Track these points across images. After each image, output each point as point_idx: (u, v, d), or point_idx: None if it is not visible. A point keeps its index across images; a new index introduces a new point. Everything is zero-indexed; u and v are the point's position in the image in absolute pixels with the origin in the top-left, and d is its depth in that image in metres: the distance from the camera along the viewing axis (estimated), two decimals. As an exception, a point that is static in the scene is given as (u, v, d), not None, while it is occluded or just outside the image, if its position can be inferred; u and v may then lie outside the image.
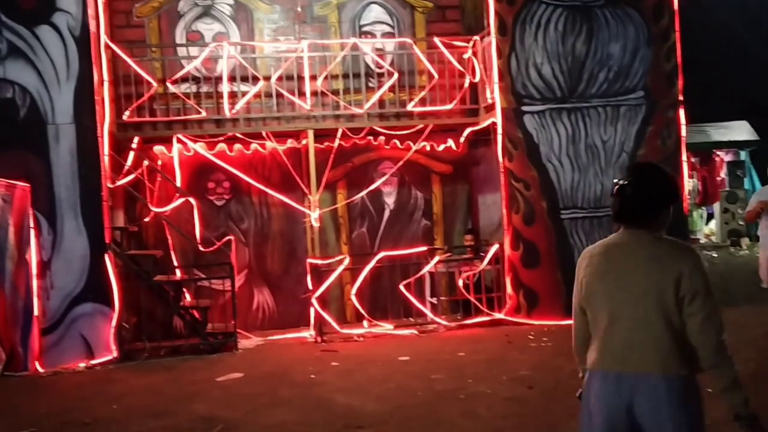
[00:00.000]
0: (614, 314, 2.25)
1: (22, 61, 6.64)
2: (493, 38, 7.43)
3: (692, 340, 2.16)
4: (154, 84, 7.59)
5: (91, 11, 6.76)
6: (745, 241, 12.64)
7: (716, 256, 12.13)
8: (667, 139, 7.70)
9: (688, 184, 8.90)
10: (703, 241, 13.64)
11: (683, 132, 7.79)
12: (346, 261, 7.64)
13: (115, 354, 6.66)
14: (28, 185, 6.61)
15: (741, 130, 13.37)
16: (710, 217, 14.24)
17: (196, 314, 7.46)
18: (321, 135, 7.89)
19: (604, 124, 7.56)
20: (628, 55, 7.57)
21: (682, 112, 7.74)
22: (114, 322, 6.68)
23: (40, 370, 6.47)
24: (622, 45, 7.55)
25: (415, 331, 7.37)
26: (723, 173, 13.49)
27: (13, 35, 6.63)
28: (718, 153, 13.71)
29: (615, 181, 2.33)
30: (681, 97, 7.73)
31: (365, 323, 7.58)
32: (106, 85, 7.07)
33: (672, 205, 2.31)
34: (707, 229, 14.13)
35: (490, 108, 7.69)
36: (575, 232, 7.51)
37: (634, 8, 7.59)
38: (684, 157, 7.86)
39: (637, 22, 7.60)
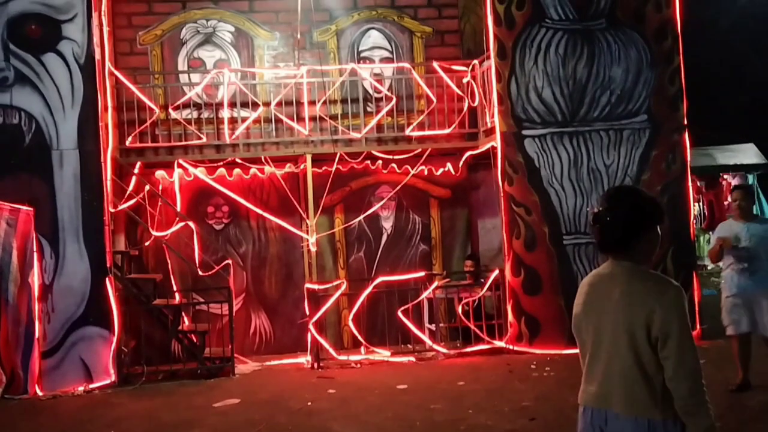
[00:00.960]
0: (595, 349, 2.21)
1: (29, 88, 6.79)
2: (492, 62, 7.44)
3: (668, 385, 2.07)
4: (156, 110, 7.73)
5: (96, 39, 6.90)
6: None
7: (724, 282, 11.87)
8: (672, 163, 7.61)
9: (694, 208, 8.79)
10: (710, 267, 13.39)
11: (688, 156, 7.70)
12: (344, 286, 7.63)
13: (113, 378, 6.69)
14: (31, 209, 6.72)
15: (748, 153, 13.17)
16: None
17: (194, 338, 7.49)
18: (319, 159, 7.94)
19: (607, 148, 7.49)
20: (631, 78, 7.51)
21: (687, 136, 7.66)
22: (113, 346, 6.72)
23: (40, 393, 6.51)
24: (625, 68, 7.50)
25: (414, 359, 7.30)
26: (730, 197, 13.23)
27: (21, 63, 6.79)
28: (725, 176, 13.52)
29: (590, 208, 2.30)
30: (686, 121, 7.65)
31: (362, 349, 7.53)
32: (109, 111, 7.21)
33: (652, 229, 2.17)
34: (713, 254, 13.82)
35: (490, 132, 7.68)
36: (578, 258, 7.41)
37: (636, 31, 7.54)
38: (689, 182, 7.77)
39: (639, 44, 7.55)
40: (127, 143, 7.67)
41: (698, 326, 7.47)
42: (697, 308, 7.53)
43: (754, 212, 6.13)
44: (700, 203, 13.35)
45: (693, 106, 7.81)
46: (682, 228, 7.62)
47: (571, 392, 5.75)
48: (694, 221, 8.34)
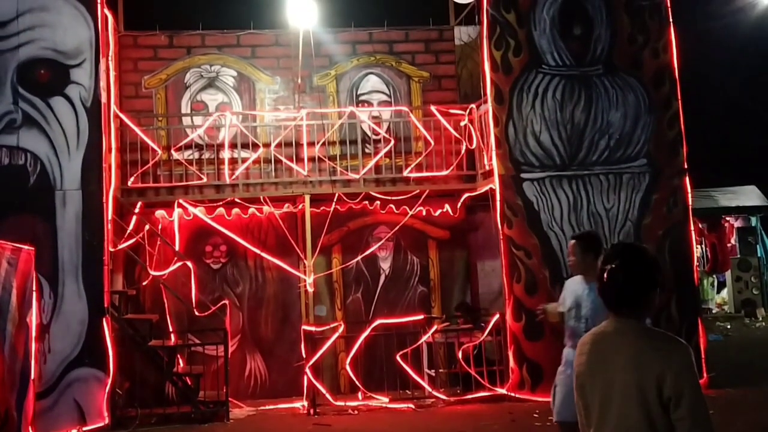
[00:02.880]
0: (603, 411, 2.13)
1: (36, 130, 6.90)
2: (490, 107, 7.52)
3: None
4: (159, 151, 7.86)
5: (103, 83, 7.04)
6: (761, 312, 12.18)
7: (730, 327, 11.64)
8: (673, 207, 7.57)
9: (697, 251, 8.71)
10: (715, 311, 13.13)
11: (690, 200, 7.66)
12: (341, 329, 7.55)
13: (107, 420, 6.59)
14: (33, 248, 6.76)
15: (750, 195, 13.07)
16: (721, 285, 13.74)
17: (188, 381, 7.40)
18: (317, 200, 8.00)
19: (607, 192, 7.47)
20: (629, 123, 7.54)
21: (687, 180, 7.64)
22: (108, 388, 6.65)
23: (32, 435, 6.44)
24: (623, 113, 7.54)
25: (412, 405, 7.14)
26: (733, 239, 13.17)
27: (29, 106, 6.92)
28: (727, 218, 13.43)
29: (602, 266, 2.21)
30: (686, 165, 7.64)
31: (360, 395, 7.39)
32: (113, 152, 7.33)
33: (657, 288, 2.16)
34: (719, 298, 13.60)
35: (488, 174, 7.70)
36: (581, 302, 7.33)
37: (634, 77, 7.61)
38: (691, 226, 7.70)
39: (637, 90, 7.61)
40: (129, 183, 7.78)
41: (705, 374, 7.28)
42: (703, 355, 7.34)
43: None
44: (703, 245, 13.23)
45: (693, 147, 7.81)
46: (686, 272, 7.53)
47: (570, 443, 5.57)
48: (697, 264, 8.23)
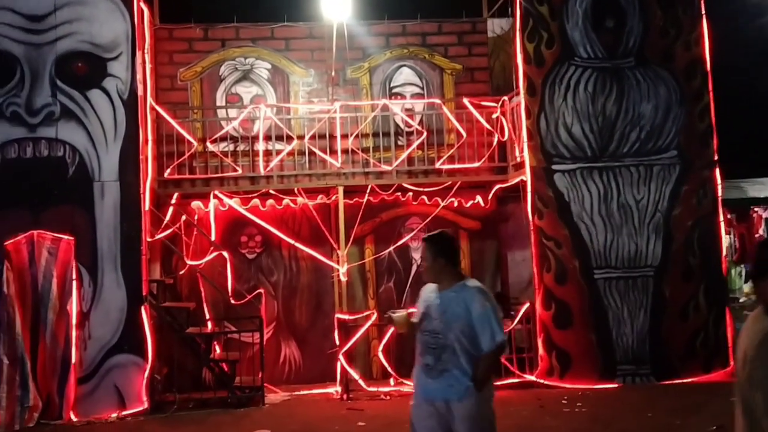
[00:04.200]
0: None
1: (74, 122, 7.04)
2: (522, 99, 7.57)
3: None
4: (195, 143, 8.00)
5: (139, 76, 7.16)
6: (788, 301, 12.09)
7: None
8: (703, 198, 7.60)
9: (725, 241, 8.73)
10: (742, 300, 13.16)
11: (719, 191, 7.69)
12: (374, 317, 7.69)
13: (146, 405, 6.76)
14: (72, 238, 6.93)
15: (780, 186, 13.06)
16: (749, 275, 13.78)
17: (225, 367, 7.57)
18: (350, 191, 8.10)
19: (637, 184, 7.51)
20: (661, 115, 7.57)
21: (717, 172, 7.66)
22: (146, 374, 6.82)
23: (74, 419, 6.62)
24: (654, 105, 7.56)
25: (442, 391, 7.30)
26: (762, 230, 13.13)
27: (67, 98, 7.06)
28: (756, 209, 13.40)
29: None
30: (716, 157, 7.67)
31: (392, 381, 7.52)
32: (149, 144, 7.47)
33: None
34: (747, 287, 13.66)
35: (519, 166, 7.77)
36: (609, 292, 7.37)
37: (666, 69, 7.63)
38: (720, 217, 7.73)
39: (668, 82, 7.63)
40: (166, 175, 7.92)
41: (731, 363, 7.35)
42: (730, 343, 7.42)
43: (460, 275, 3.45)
44: (731, 236, 13.22)
45: (724, 139, 7.82)
46: (714, 263, 7.58)
47: (604, 429, 5.72)
48: (726, 255, 8.26)
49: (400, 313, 3.50)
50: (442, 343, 3.26)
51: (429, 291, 3.45)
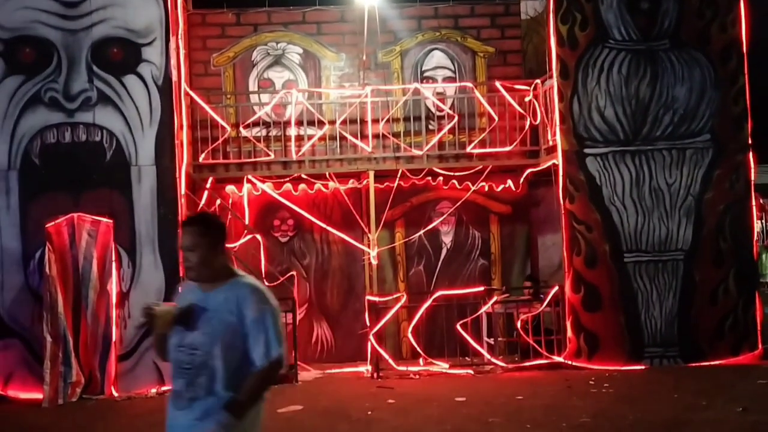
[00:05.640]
0: None
1: (111, 107, 7.18)
2: (555, 82, 7.53)
3: None
4: (228, 128, 8.12)
5: (173, 62, 7.27)
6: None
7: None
8: (736, 182, 7.54)
9: (757, 225, 8.68)
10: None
11: (752, 176, 7.62)
12: (404, 299, 7.81)
13: (184, 381, 7.00)
14: (111, 221, 7.12)
15: (813, 171, 12.84)
16: None
17: (259, 346, 7.76)
18: (381, 176, 8.18)
19: (669, 167, 7.47)
20: (694, 98, 7.48)
21: (751, 156, 7.58)
22: (184, 352, 7.03)
23: (115, 394, 6.87)
24: (688, 88, 7.47)
25: (471, 371, 7.40)
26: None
27: (103, 84, 7.19)
28: (789, 194, 13.22)
29: None
30: (750, 141, 7.58)
31: (421, 361, 7.67)
32: (184, 129, 7.60)
33: None
34: (777, 272, 13.61)
35: (551, 150, 7.76)
36: (639, 275, 7.39)
37: (701, 51, 7.51)
38: (753, 202, 7.68)
39: (703, 65, 7.52)
40: (200, 159, 8.07)
41: (760, 346, 7.36)
42: (759, 327, 7.43)
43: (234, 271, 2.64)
44: (763, 220, 13.08)
45: (759, 123, 7.71)
46: (745, 247, 7.55)
47: (630, 409, 5.83)
48: (757, 239, 8.22)
49: (162, 309, 2.51)
50: (200, 361, 2.44)
51: (189, 292, 2.59)
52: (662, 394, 6.12)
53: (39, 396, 6.72)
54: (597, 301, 7.38)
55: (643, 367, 7.26)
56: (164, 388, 6.93)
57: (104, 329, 7.03)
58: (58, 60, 7.14)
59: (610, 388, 6.41)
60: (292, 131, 8.16)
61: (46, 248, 6.84)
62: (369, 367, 7.57)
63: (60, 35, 7.13)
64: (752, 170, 7.62)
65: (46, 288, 6.83)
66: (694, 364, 7.24)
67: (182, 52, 7.69)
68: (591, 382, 6.65)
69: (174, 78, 7.31)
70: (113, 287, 7.06)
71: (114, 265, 7.08)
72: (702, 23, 7.61)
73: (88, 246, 7.07)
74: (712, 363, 7.25)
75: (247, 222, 8.25)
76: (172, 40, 7.30)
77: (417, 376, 7.33)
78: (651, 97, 7.51)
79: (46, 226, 6.89)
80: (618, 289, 7.39)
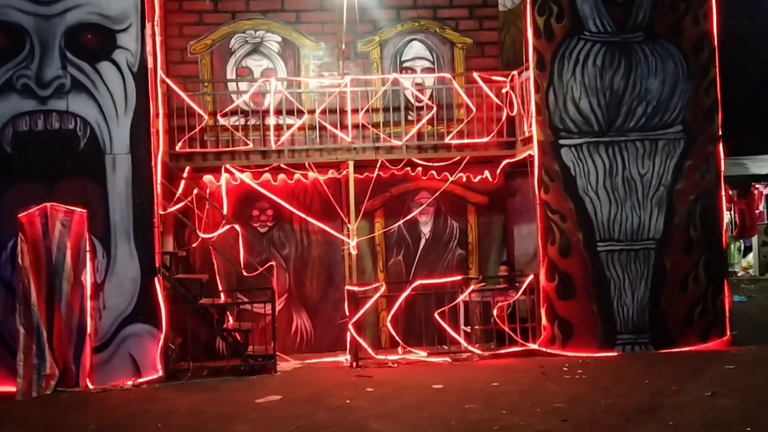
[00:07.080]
0: None
1: (84, 94, 7.01)
2: (531, 73, 7.62)
3: None
4: (205, 117, 8.03)
5: (149, 48, 7.11)
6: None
7: (754, 289, 11.91)
8: (706, 173, 7.70)
9: (726, 216, 8.89)
10: (740, 274, 13.49)
11: (722, 167, 7.79)
12: (383, 288, 7.86)
13: (160, 373, 6.92)
14: (85, 211, 6.99)
15: (781, 164, 13.20)
16: (747, 249, 14.10)
17: (238, 337, 7.75)
18: (361, 166, 8.18)
19: (642, 158, 7.60)
20: (667, 90, 7.61)
21: (721, 147, 7.75)
22: (161, 343, 6.96)
23: (90, 386, 6.77)
24: (661, 80, 7.60)
25: (449, 359, 7.48)
26: (762, 206, 13.33)
27: (77, 71, 7.02)
28: (757, 186, 13.58)
29: None
30: (720, 132, 7.75)
31: (400, 350, 7.74)
32: (160, 117, 7.49)
33: None
34: (745, 261, 14.00)
35: (527, 141, 7.85)
36: (612, 264, 7.54)
37: (674, 44, 7.64)
38: (722, 192, 7.84)
39: (676, 57, 7.65)
40: (177, 148, 7.97)
41: (728, 333, 7.57)
42: (727, 314, 7.63)
43: None
44: (732, 211, 13.43)
45: (728, 115, 7.89)
46: (715, 236, 7.72)
47: (602, 394, 5.97)
48: (726, 229, 8.43)
49: None
50: None
51: None
52: (634, 380, 6.25)
53: (12, 389, 6.61)
54: (571, 290, 7.51)
55: (615, 354, 7.41)
56: (140, 380, 6.88)
57: (78, 321, 6.93)
58: (31, 46, 6.97)
59: (584, 374, 6.53)
60: (271, 120, 8.10)
61: (19, 238, 6.71)
62: (348, 357, 7.60)
63: (33, 21, 6.96)
64: (722, 161, 7.79)
65: (19, 279, 6.70)
66: (664, 351, 7.42)
67: (158, 38, 7.56)
68: (565, 369, 6.78)
69: (150, 65, 7.18)
70: (87, 278, 6.94)
71: (88, 255, 6.96)
72: (675, 16, 7.75)
73: (62, 236, 6.95)
74: (682, 349, 7.44)
75: (225, 212, 8.18)
76: (148, 26, 7.16)
77: (395, 365, 7.39)
78: (625, 89, 7.63)
79: (19, 216, 6.75)
80: (591, 277, 7.53)
